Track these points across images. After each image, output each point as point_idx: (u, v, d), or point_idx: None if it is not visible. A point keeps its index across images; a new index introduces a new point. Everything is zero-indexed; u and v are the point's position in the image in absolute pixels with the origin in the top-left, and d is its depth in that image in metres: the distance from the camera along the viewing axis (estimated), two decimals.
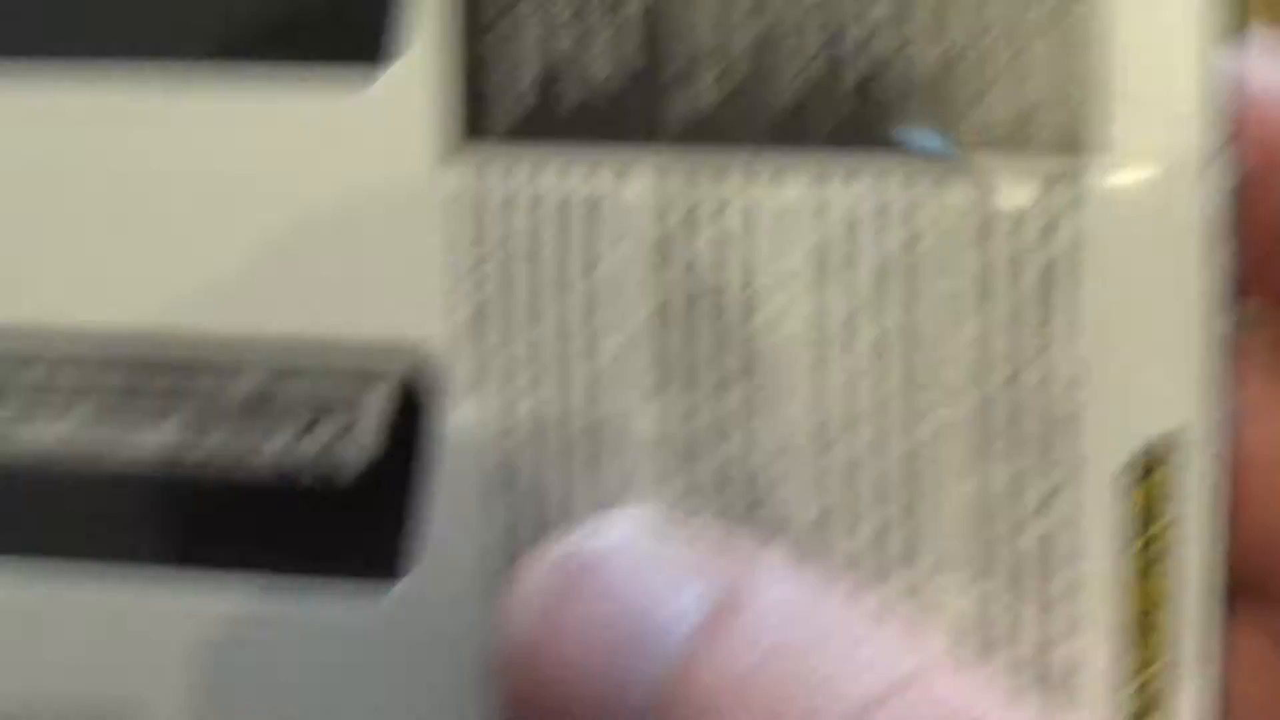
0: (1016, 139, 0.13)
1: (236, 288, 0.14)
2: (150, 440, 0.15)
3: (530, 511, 0.14)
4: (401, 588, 0.14)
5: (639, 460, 0.14)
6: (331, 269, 0.14)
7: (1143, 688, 0.13)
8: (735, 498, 0.14)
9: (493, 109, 0.13)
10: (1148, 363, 0.13)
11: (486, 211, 0.14)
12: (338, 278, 0.14)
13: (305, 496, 0.15)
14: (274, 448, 0.15)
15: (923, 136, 0.13)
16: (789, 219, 0.13)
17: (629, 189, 0.13)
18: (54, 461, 0.15)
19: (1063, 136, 0.13)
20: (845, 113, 0.13)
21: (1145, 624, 0.13)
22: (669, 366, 0.14)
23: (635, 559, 0.13)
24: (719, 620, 0.12)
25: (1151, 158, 0.13)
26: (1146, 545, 0.13)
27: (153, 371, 0.14)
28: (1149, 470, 0.13)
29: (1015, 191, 0.13)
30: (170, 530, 0.15)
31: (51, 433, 0.15)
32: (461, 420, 0.14)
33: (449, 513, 0.14)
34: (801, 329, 0.13)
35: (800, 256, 0.13)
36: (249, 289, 0.14)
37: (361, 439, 0.15)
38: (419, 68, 0.13)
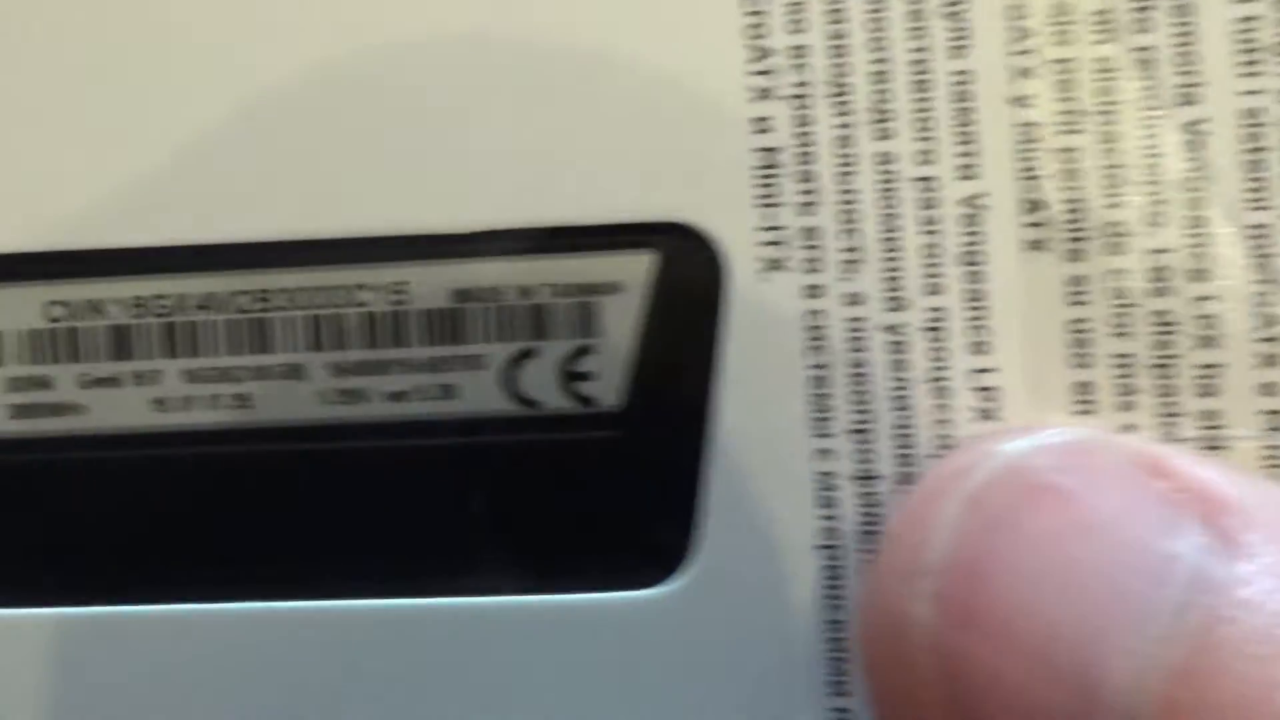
0: None
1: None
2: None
3: (854, 444, 0.13)
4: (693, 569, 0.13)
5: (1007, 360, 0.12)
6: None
7: None
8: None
9: None
10: None
11: None
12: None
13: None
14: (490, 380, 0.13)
15: None
16: None
17: None
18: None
19: None
20: None
21: None
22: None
23: (1112, 483, 0.11)
24: (1231, 570, 0.09)
25: None
26: None
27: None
28: None
29: None
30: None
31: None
32: (750, 318, 0.13)
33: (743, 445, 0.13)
34: None
35: None
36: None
37: (615, 356, 0.13)
38: None
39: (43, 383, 0.14)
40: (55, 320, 0.14)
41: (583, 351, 0.14)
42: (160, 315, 0.14)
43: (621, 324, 0.14)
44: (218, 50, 0.14)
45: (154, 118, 0.14)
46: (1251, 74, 0.13)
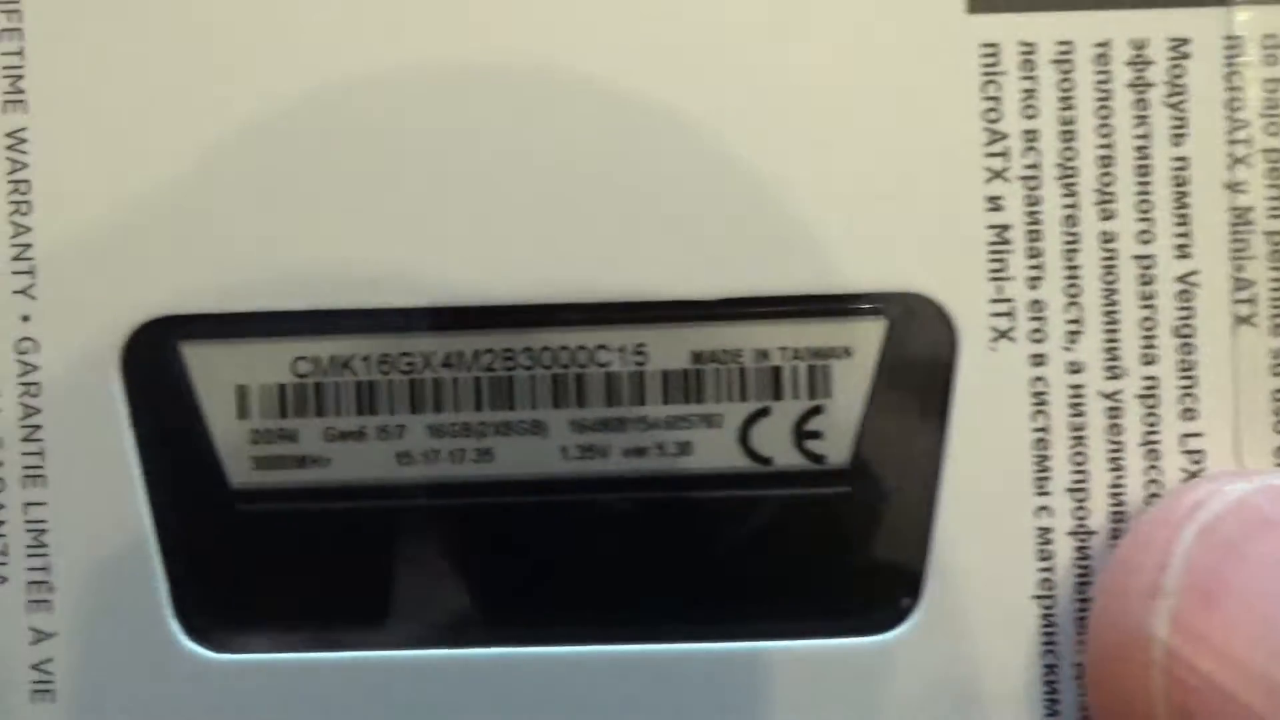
0: None
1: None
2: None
3: (1071, 501, 0.14)
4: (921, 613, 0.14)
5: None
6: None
7: None
8: None
9: None
10: None
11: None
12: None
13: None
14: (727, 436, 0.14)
15: None
16: None
17: None
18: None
19: None
20: None
21: None
22: None
23: None
24: None
25: None
26: None
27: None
28: None
29: None
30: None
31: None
32: (978, 383, 0.14)
33: (966, 503, 0.14)
34: None
35: None
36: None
37: (845, 416, 0.14)
38: None
39: (288, 436, 0.15)
40: (303, 376, 0.15)
41: (815, 411, 0.15)
42: (405, 372, 0.15)
43: (852, 386, 0.15)
44: (462, 121, 0.14)
45: (402, 186, 0.14)
46: None
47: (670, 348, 0.15)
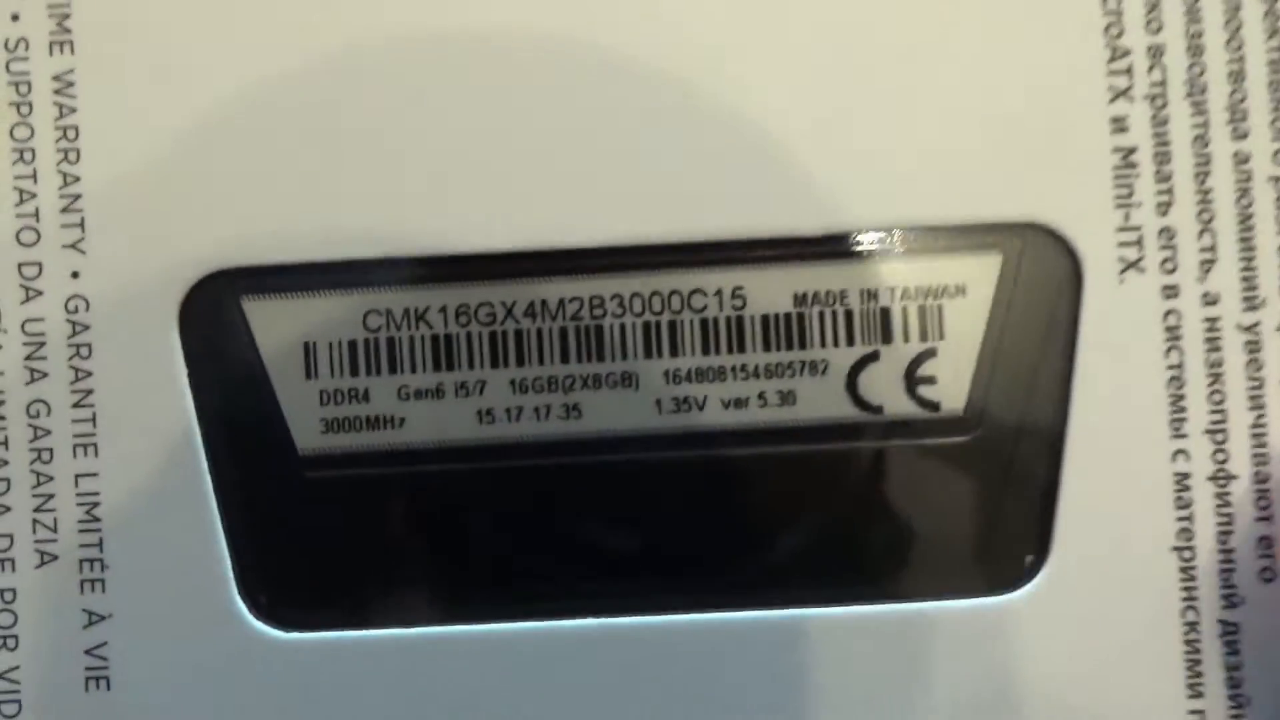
0: None
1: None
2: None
3: (1210, 444, 0.13)
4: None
5: None
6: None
7: None
8: None
9: None
10: None
11: None
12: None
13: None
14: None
15: None
16: None
17: None
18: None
19: None
20: None
21: None
22: None
23: None
24: None
25: None
26: None
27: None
28: None
29: None
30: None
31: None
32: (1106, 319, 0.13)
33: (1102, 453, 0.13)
34: None
35: None
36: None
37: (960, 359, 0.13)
38: None
39: (359, 395, 0.14)
40: (374, 330, 0.14)
41: (927, 355, 0.14)
42: (485, 323, 0.14)
43: (967, 327, 0.14)
44: (548, 59, 0.13)
45: (479, 123, 0.13)
46: None
47: (770, 289, 0.14)
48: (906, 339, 0.14)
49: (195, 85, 0.13)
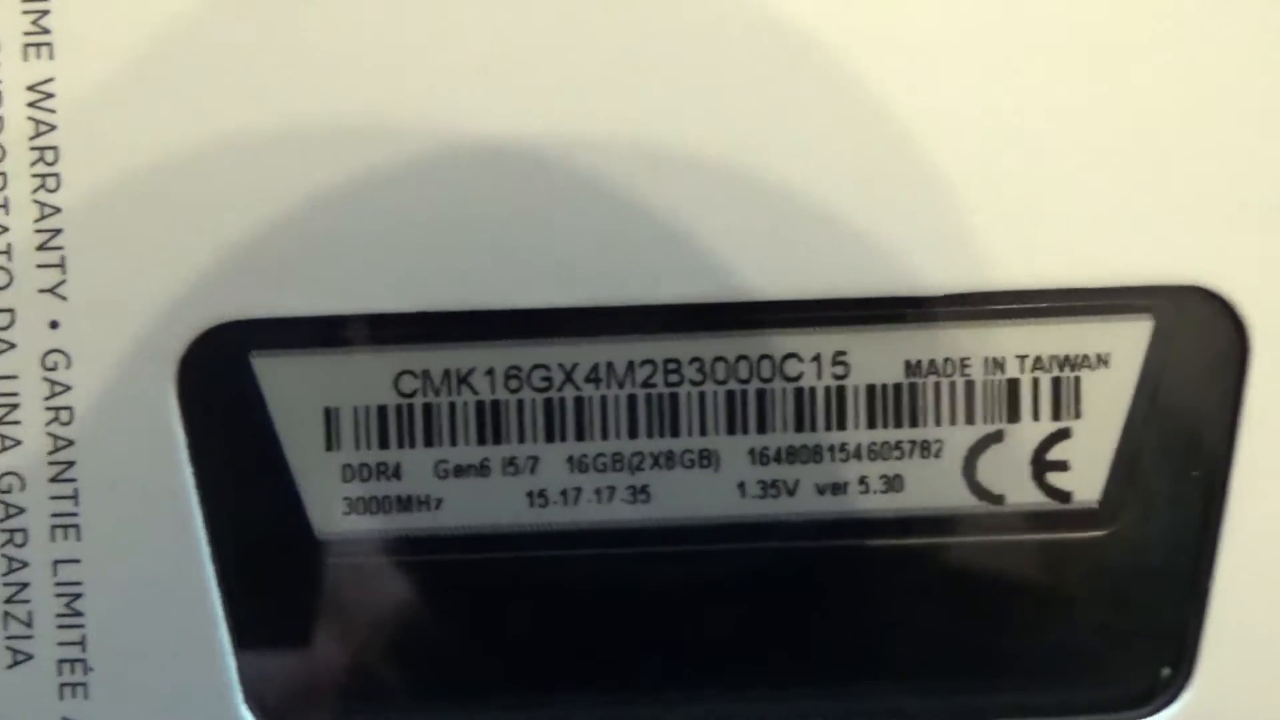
0: None
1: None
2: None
3: None
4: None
5: None
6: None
7: None
8: None
9: None
10: None
11: None
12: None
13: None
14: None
15: None
16: None
17: None
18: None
19: None
20: None
21: None
22: None
23: None
24: None
25: None
26: None
27: None
28: None
29: None
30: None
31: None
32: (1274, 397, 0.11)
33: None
34: None
35: None
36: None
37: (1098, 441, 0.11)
38: None
39: (390, 471, 0.12)
40: (408, 395, 0.12)
41: (1060, 436, 0.12)
42: (539, 389, 0.12)
43: (1109, 403, 0.12)
44: (596, 103, 0.11)
45: (538, 156, 0.11)
46: None
47: (878, 356, 0.12)
48: (1036, 417, 0.12)
49: (198, 100, 0.11)
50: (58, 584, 0.11)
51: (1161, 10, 0.11)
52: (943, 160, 0.11)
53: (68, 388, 0.11)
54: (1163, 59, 0.11)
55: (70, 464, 0.11)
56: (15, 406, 0.11)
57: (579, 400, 0.12)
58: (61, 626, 0.11)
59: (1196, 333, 0.11)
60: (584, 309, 0.11)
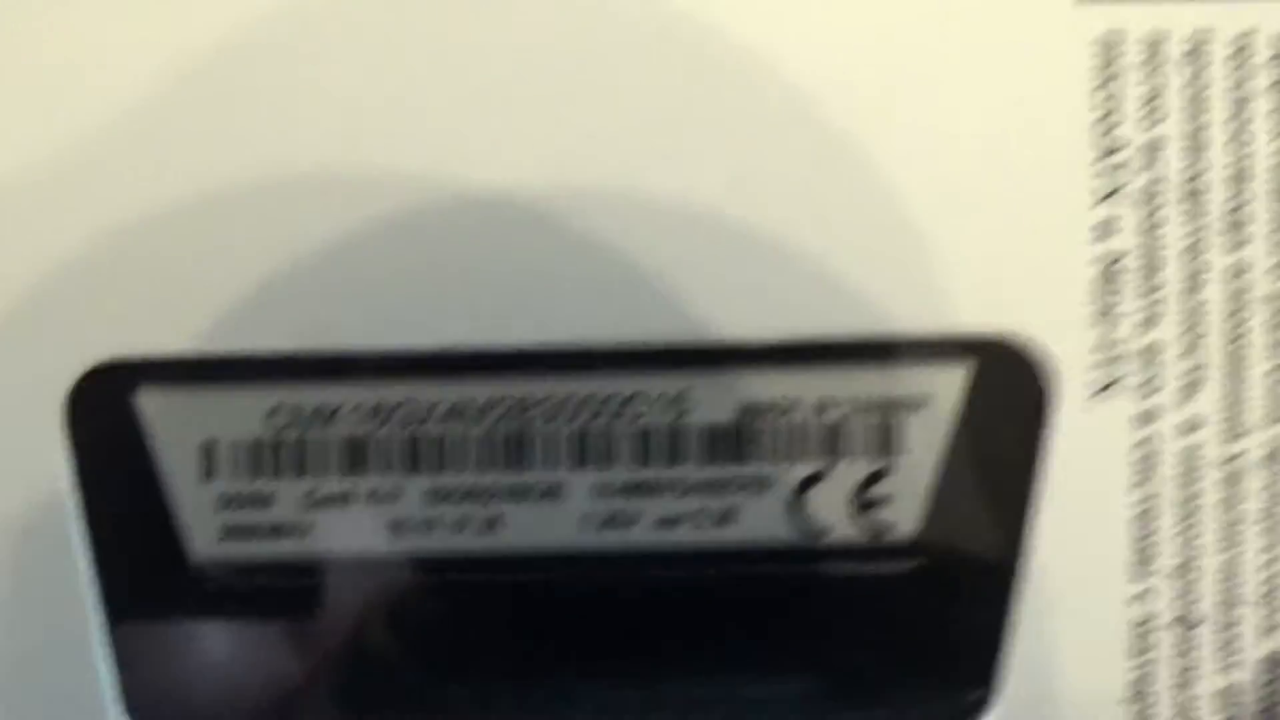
0: None
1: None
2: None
3: (1174, 586, 0.12)
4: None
5: None
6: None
7: None
8: None
9: None
10: None
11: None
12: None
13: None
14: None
15: None
16: None
17: None
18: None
19: None
20: None
21: None
22: None
23: None
24: None
25: None
26: None
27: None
28: None
29: None
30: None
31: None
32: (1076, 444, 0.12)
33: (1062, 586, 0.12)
34: None
35: None
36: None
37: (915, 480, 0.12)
38: None
39: (262, 500, 0.13)
40: (280, 429, 0.13)
41: (880, 474, 0.13)
42: (402, 425, 0.13)
43: (926, 445, 0.13)
44: (480, 147, 0.12)
45: (401, 200, 0.12)
46: None
47: (715, 398, 0.13)
48: (858, 456, 0.13)
49: (82, 114, 0.12)
50: None
51: (968, 76, 0.12)
52: (777, 217, 0.12)
53: None
54: (964, 117, 0.12)
55: None
56: None
57: (438, 436, 0.13)
58: None
59: (1006, 379, 0.12)
60: (444, 351, 0.12)
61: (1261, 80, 0.12)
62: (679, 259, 0.12)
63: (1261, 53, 0.12)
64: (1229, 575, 0.12)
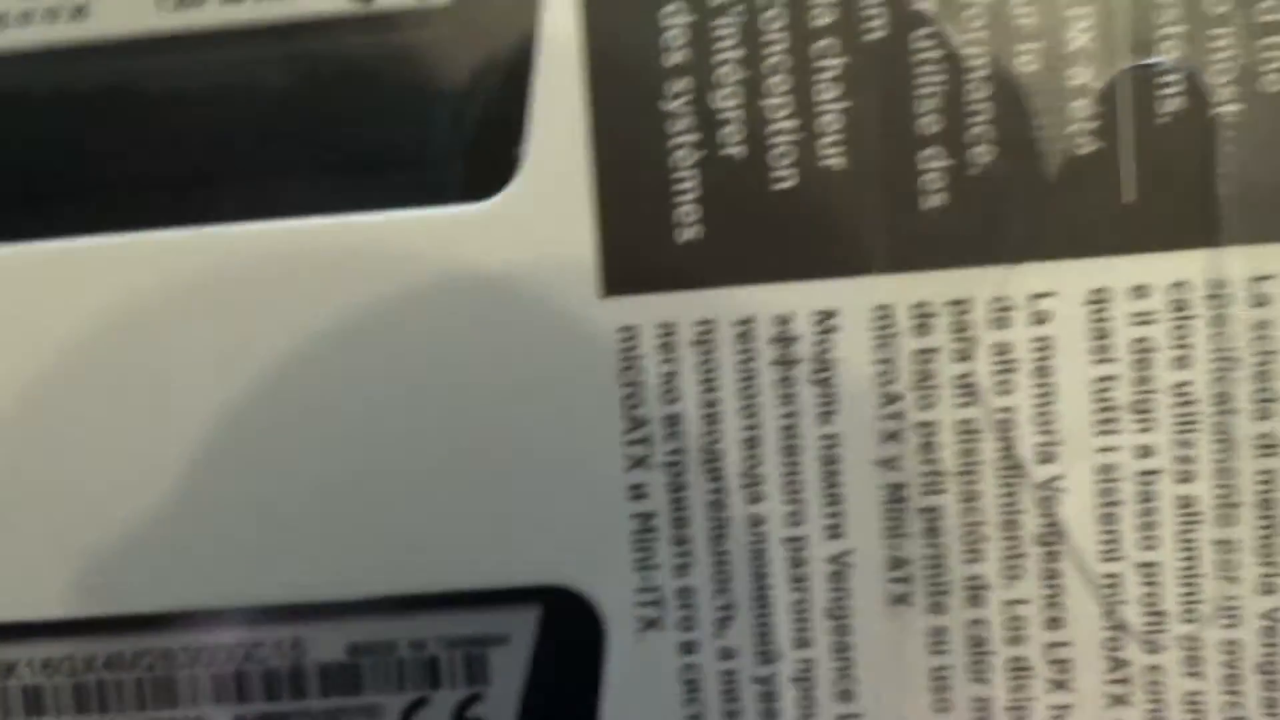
0: None
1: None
2: None
3: None
4: None
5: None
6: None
7: None
8: None
9: None
10: None
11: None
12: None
13: None
14: None
15: None
16: None
17: None
18: None
19: None
20: None
21: None
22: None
23: None
24: None
25: None
26: None
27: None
28: None
29: None
30: None
31: None
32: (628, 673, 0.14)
33: None
34: None
35: None
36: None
37: (503, 703, 0.14)
38: None
39: None
40: None
41: (474, 699, 0.15)
42: (69, 675, 0.15)
43: (509, 674, 0.15)
44: (126, 419, 0.14)
45: (54, 482, 0.14)
46: (1107, 432, 0.14)
47: (327, 642, 0.15)
48: (453, 685, 0.15)
49: None
50: None
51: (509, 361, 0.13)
52: (368, 490, 0.14)
53: None
54: (507, 398, 0.13)
55: None
56: None
57: (100, 683, 0.15)
58: None
59: (569, 619, 0.14)
60: (101, 618, 0.14)
61: (766, 357, 0.14)
62: (290, 529, 0.14)
63: (762, 335, 0.14)
64: None
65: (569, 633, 0.14)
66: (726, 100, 0.13)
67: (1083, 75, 0.13)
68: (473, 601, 0.14)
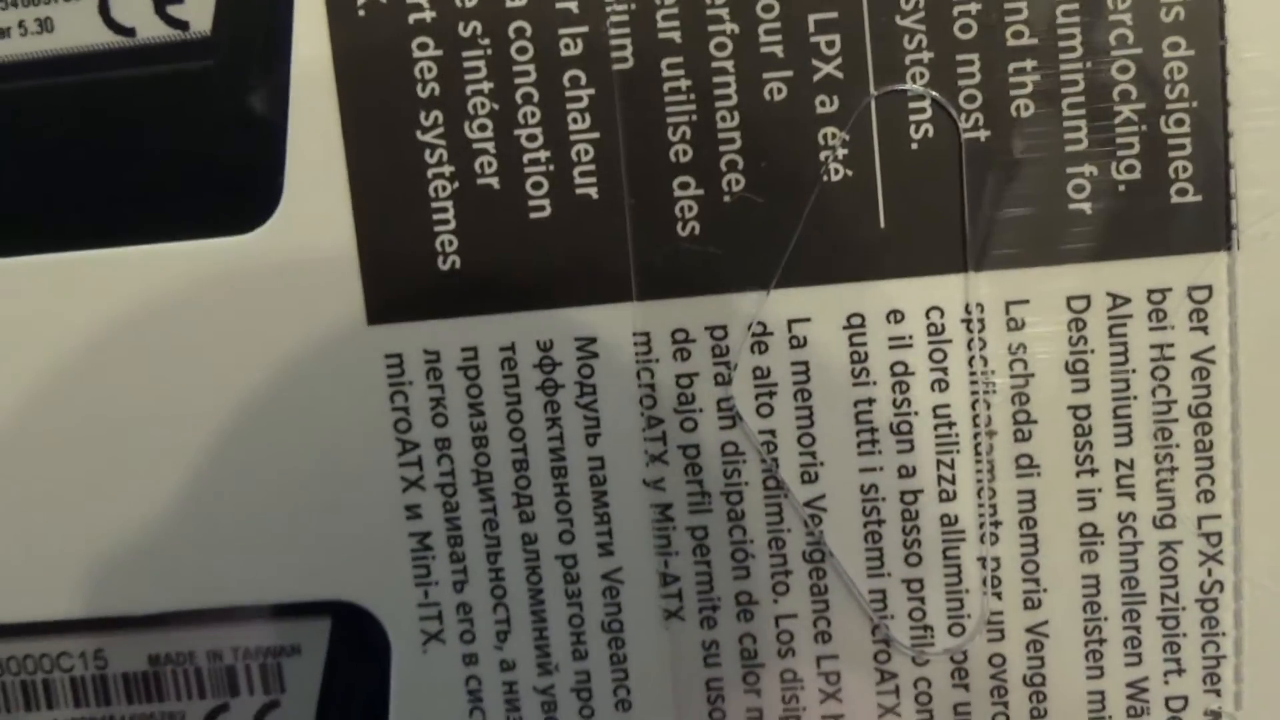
0: None
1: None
2: None
3: None
4: None
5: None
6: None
7: None
8: None
9: None
10: None
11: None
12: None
13: None
14: None
15: None
16: None
17: None
18: None
19: None
20: None
21: None
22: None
23: None
24: None
25: None
26: None
27: None
28: None
29: None
30: None
31: None
32: (414, 684, 0.14)
33: None
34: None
35: None
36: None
37: (300, 710, 0.15)
38: None
39: None
40: None
41: (271, 706, 0.15)
42: None
43: (304, 682, 0.15)
44: None
45: None
46: (868, 453, 0.14)
47: (129, 652, 0.15)
48: (251, 692, 0.15)
49: None
50: None
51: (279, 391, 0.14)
52: (166, 508, 0.14)
53: None
54: (283, 428, 0.14)
55: None
56: None
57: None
58: None
59: (357, 632, 0.15)
60: None
61: (530, 382, 0.14)
62: (91, 544, 0.14)
63: (525, 361, 0.14)
64: None
65: (359, 644, 0.15)
66: (480, 131, 0.14)
67: (831, 103, 0.13)
68: (267, 615, 0.15)
